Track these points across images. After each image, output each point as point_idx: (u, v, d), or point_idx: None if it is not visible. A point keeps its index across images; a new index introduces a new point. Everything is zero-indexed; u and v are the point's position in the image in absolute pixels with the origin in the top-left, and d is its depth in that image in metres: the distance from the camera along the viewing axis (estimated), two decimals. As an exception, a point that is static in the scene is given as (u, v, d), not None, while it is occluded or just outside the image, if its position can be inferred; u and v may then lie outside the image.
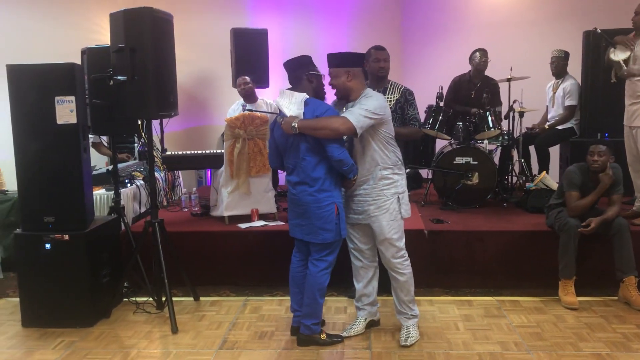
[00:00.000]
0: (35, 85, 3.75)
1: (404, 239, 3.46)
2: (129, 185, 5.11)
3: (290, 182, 3.40)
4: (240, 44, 6.57)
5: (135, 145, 6.14)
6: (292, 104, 3.26)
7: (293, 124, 3.18)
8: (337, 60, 3.34)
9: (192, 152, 5.33)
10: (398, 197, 3.39)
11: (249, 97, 5.31)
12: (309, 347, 3.47)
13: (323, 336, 3.50)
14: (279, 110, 3.34)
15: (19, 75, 3.75)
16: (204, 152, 5.31)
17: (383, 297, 3.91)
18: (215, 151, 5.28)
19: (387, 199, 3.37)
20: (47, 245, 3.81)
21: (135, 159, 6.10)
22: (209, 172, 7.38)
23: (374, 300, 3.70)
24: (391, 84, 4.03)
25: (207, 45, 7.34)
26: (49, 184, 3.80)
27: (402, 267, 3.45)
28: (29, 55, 4.89)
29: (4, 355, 3.51)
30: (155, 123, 5.45)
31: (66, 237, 3.81)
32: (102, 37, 6.50)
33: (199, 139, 7.56)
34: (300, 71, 3.38)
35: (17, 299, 4.35)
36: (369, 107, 3.22)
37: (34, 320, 3.89)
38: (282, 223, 4.85)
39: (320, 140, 3.21)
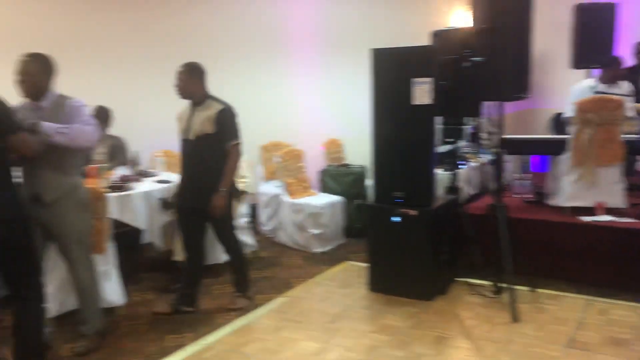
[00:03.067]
0: (394, 68, 3.99)
1: None
2: (463, 167, 5.16)
3: None
4: (585, 20, 6.03)
5: (467, 127, 6.16)
6: None
7: None
8: None
9: (534, 136, 5.11)
10: None
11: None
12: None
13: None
14: None
15: (381, 58, 4.04)
16: (545, 137, 5.05)
17: None
18: (556, 136, 4.96)
19: None
20: (396, 218, 4.05)
21: (467, 142, 6.13)
22: (534, 158, 7.04)
23: None
24: None
25: (543, 23, 6.94)
26: (401, 161, 4.03)
27: None
28: (378, 39, 5.25)
29: (359, 313, 3.88)
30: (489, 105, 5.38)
31: (414, 212, 4.00)
32: (440, 20, 6.66)
33: (523, 122, 7.24)
34: None
35: (359, 263, 4.81)
36: None
37: (380, 286, 4.20)
38: (633, 220, 4.32)
39: None
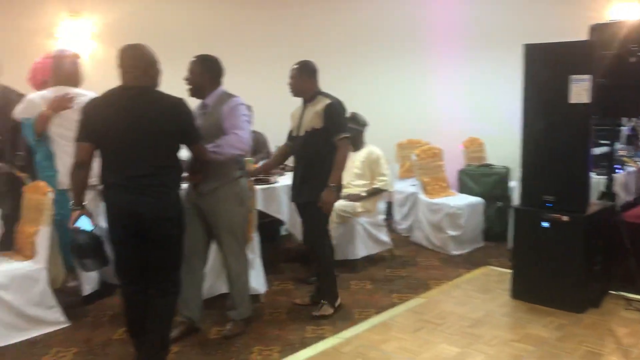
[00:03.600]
0: (549, 64, 3.76)
1: None
2: (619, 171, 4.78)
3: None
4: None
5: (623, 129, 5.67)
6: None
7: None
8: None
9: None
10: None
11: None
12: None
13: None
14: None
15: (535, 54, 3.82)
16: None
17: None
18: None
19: None
20: (545, 224, 3.83)
21: (622, 144, 5.65)
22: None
23: None
24: None
25: None
26: (553, 163, 3.80)
27: None
28: (525, 35, 4.96)
29: (499, 320, 3.72)
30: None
31: (565, 218, 3.75)
32: (596, 13, 6.18)
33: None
34: None
35: (499, 268, 4.62)
36: None
37: (524, 293, 3.98)
38: None
39: None
